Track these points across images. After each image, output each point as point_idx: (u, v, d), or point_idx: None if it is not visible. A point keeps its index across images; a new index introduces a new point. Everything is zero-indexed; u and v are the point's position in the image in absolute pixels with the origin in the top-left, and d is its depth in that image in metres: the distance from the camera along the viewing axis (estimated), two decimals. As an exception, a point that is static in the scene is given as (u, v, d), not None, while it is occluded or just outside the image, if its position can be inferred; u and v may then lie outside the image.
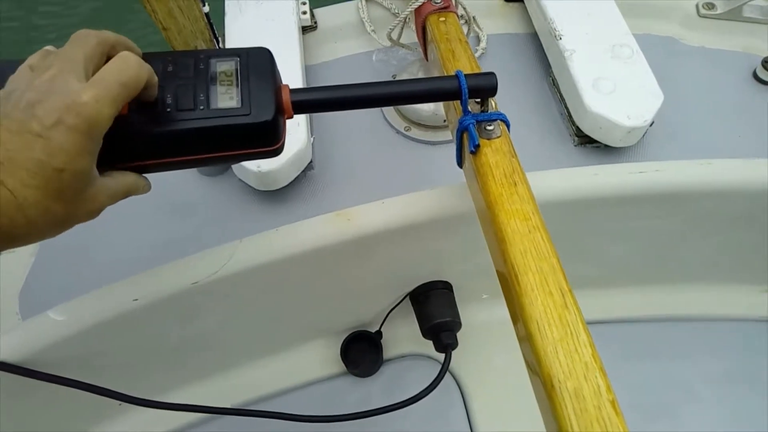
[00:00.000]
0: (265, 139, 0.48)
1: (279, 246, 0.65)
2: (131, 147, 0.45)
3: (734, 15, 1.03)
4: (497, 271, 0.49)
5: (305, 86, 0.89)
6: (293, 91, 0.50)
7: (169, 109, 0.45)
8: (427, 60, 0.84)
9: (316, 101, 0.52)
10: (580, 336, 0.38)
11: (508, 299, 0.45)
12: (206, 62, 0.48)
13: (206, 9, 0.86)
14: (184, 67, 0.48)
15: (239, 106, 0.46)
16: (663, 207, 0.73)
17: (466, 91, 0.52)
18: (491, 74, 0.53)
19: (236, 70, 0.48)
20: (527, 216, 0.46)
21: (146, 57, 0.48)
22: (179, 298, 0.64)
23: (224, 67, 0.48)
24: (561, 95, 0.92)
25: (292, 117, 0.51)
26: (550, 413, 0.37)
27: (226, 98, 0.47)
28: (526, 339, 0.40)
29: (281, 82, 0.51)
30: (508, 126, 0.55)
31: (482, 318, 0.87)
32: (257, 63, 0.49)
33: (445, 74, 0.65)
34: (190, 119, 0.45)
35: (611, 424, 0.34)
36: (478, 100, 0.55)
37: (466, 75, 0.52)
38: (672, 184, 0.69)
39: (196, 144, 0.47)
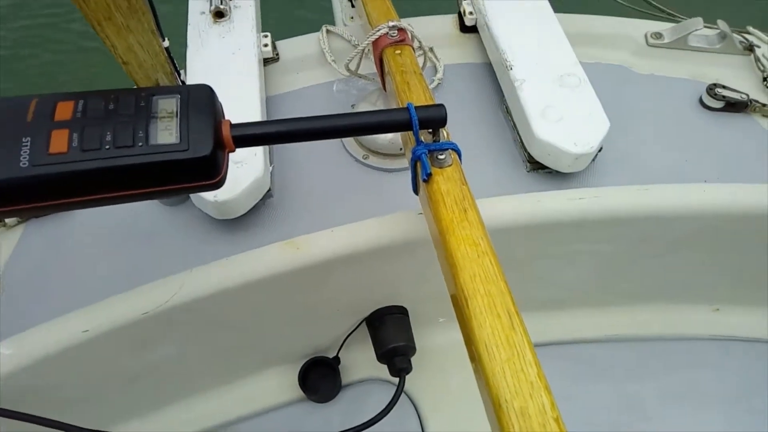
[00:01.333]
0: (204, 173, 0.50)
1: (228, 275, 0.66)
2: (71, 183, 0.46)
3: (681, 44, 1.07)
4: (450, 294, 0.51)
5: (265, 116, 0.91)
6: (234, 126, 0.52)
7: (108, 147, 0.47)
8: (385, 90, 0.87)
9: (258, 135, 0.54)
10: (526, 356, 0.40)
11: (460, 322, 0.47)
12: (147, 100, 0.50)
13: (166, 44, 0.88)
14: (126, 104, 0.49)
15: (178, 141, 0.48)
16: (606, 231, 0.75)
17: (417, 122, 0.54)
18: (440, 106, 0.55)
19: (176, 106, 0.50)
20: (476, 241, 0.48)
21: (88, 95, 0.50)
22: (130, 329, 0.65)
23: (164, 104, 0.50)
24: (514, 123, 0.94)
25: (233, 150, 0.53)
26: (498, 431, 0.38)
27: (166, 134, 0.48)
28: (476, 360, 0.42)
29: (223, 117, 0.53)
30: (459, 155, 0.58)
31: (438, 341, 0.88)
32: (197, 99, 0.51)
33: (400, 105, 0.67)
34: (128, 155, 0.47)
35: None
36: (430, 130, 0.57)
37: (416, 107, 0.54)
38: (611, 209, 0.71)
39: (135, 179, 0.48)
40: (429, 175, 0.55)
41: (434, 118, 0.55)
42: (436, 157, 0.56)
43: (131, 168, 0.47)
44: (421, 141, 0.57)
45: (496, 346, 0.40)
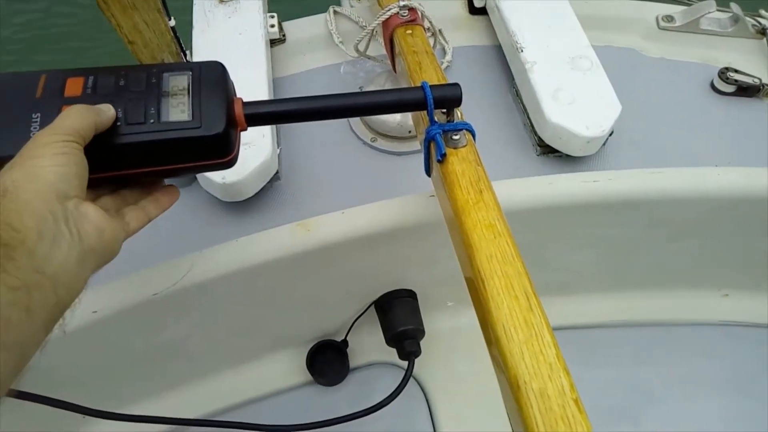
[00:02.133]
0: (217, 151, 0.49)
1: (239, 257, 0.66)
2: None
3: (692, 27, 1.05)
4: (465, 277, 0.50)
5: (271, 98, 0.90)
6: (246, 104, 0.51)
7: (119, 123, 0.46)
8: (395, 72, 0.86)
9: (270, 113, 0.53)
10: (545, 337, 0.39)
11: (476, 304, 0.46)
12: (158, 76, 0.49)
13: (172, 23, 0.87)
14: (136, 81, 0.49)
15: (190, 119, 0.47)
16: (618, 214, 0.74)
17: (432, 101, 0.53)
18: (456, 85, 0.54)
19: (188, 84, 0.49)
20: (493, 222, 0.47)
21: (98, 71, 0.49)
22: (139, 310, 0.64)
23: (176, 81, 0.49)
24: (524, 106, 0.93)
25: (245, 129, 0.52)
26: (517, 413, 0.38)
27: (177, 112, 0.48)
28: (494, 342, 0.41)
29: (234, 95, 0.52)
30: (473, 135, 0.57)
31: (447, 325, 0.88)
32: (210, 77, 0.50)
33: (413, 85, 0.66)
34: (140, 132, 0.46)
35: (575, 422, 0.35)
36: (444, 110, 0.57)
37: (431, 86, 0.53)
38: (625, 192, 0.71)
39: (146, 157, 0.48)
40: (443, 155, 0.54)
41: (449, 97, 0.54)
42: (451, 137, 0.55)
43: (143, 145, 0.46)
44: (435, 121, 0.56)
45: (514, 328, 0.40)
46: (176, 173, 0.51)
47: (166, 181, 0.55)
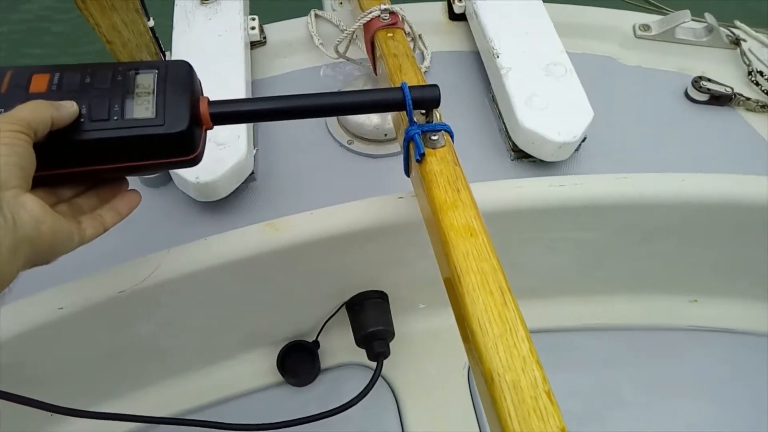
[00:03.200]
0: (180, 148, 0.50)
1: (207, 255, 0.66)
2: (44, 156, 0.46)
3: (668, 36, 1.07)
4: (443, 277, 0.51)
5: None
6: (212, 103, 0.52)
7: (83, 120, 0.46)
8: (375, 74, 0.87)
9: (237, 113, 0.54)
10: (519, 332, 0.40)
11: (453, 301, 0.47)
12: (124, 74, 0.50)
13: (151, 23, 0.88)
14: (102, 79, 0.49)
15: (154, 116, 0.48)
16: (586, 219, 0.75)
17: (410, 101, 0.54)
18: (435, 86, 0.55)
19: (154, 82, 0.50)
20: (469, 221, 0.48)
21: (65, 68, 0.50)
22: (106, 307, 0.65)
23: (142, 79, 0.50)
24: (499, 111, 0.95)
25: (211, 128, 0.53)
26: (491, 405, 0.38)
27: (142, 109, 0.48)
28: (469, 337, 0.42)
29: (201, 93, 0.53)
30: (452, 136, 0.58)
31: (418, 327, 0.89)
32: (176, 75, 0.51)
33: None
34: (103, 129, 0.47)
35: (547, 414, 0.36)
36: (423, 111, 0.58)
37: (410, 87, 0.54)
38: (590, 197, 0.72)
39: (110, 153, 0.48)
40: (422, 155, 0.55)
41: (428, 98, 0.55)
42: (429, 137, 0.56)
43: (106, 142, 0.47)
44: (414, 121, 0.57)
45: (489, 322, 0.41)
46: (140, 170, 0.52)
47: (132, 185, 0.55)
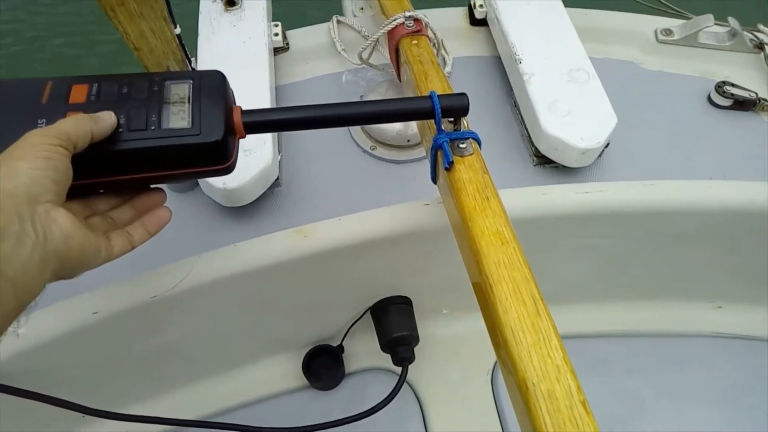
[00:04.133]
0: (215, 157, 0.51)
1: (236, 261, 0.67)
2: (83, 165, 0.47)
3: (691, 41, 1.07)
4: (472, 282, 0.51)
5: (274, 106, 0.92)
6: (245, 112, 0.53)
7: (121, 130, 0.48)
8: (400, 80, 0.87)
9: (269, 122, 0.55)
10: (552, 341, 0.41)
11: (484, 308, 0.48)
12: (160, 85, 0.51)
13: (177, 30, 0.89)
14: (139, 89, 0.50)
15: (190, 126, 0.49)
16: (610, 226, 0.75)
17: (440, 110, 0.55)
18: (463, 95, 0.56)
19: (189, 92, 0.51)
20: (500, 229, 0.49)
21: (102, 78, 0.51)
22: (139, 312, 0.66)
23: (177, 89, 0.51)
24: (521, 117, 0.95)
25: (244, 137, 0.54)
26: (526, 414, 0.39)
27: (178, 119, 0.49)
28: (502, 345, 0.42)
29: (234, 103, 0.54)
30: (479, 144, 0.58)
31: (442, 332, 0.89)
32: (210, 85, 0.52)
33: (419, 95, 0.68)
34: (141, 139, 0.48)
35: (582, 423, 0.37)
36: (451, 119, 0.58)
37: (439, 95, 0.55)
38: (616, 204, 0.72)
39: (147, 162, 0.49)
40: (451, 163, 0.56)
41: (457, 107, 0.56)
42: (458, 145, 0.57)
43: (144, 151, 0.48)
44: (443, 129, 0.57)
45: (522, 331, 0.41)
46: (175, 179, 0.53)
47: (164, 202, 0.55)
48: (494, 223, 0.49)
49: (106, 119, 0.46)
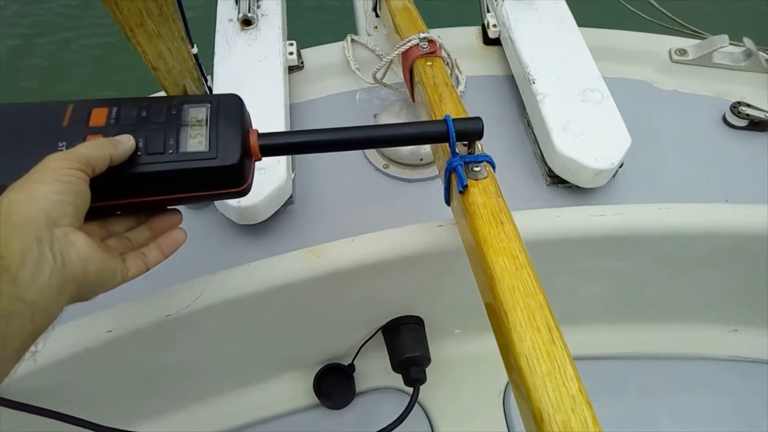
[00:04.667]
0: (231, 180, 0.51)
1: (250, 281, 0.68)
2: (103, 188, 0.47)
3: (705, 61, 1.06)
4: (486, 303, 0.51)
5: (288, 124, 0.93)
6: (261, 136, 0.53)
7: (139, 153, 0.48)
8: (413, 100, 0.88)
9: (285, 144, 0.55)
10: (567, 370, 0.40)
11: (497, 331, 0.47)
12: (178, 108, 0.52)
13: (195, 50, 0.90)
14: (157, 112, 0.51)
15: (207, 150, 0.49)
16: (625, 248, 0.75)
17: (454, 134, 0.55)
18: (478, 119, 0.56)
19: (206, 115, 0.51)
20: (515, 254, 0.49)
21: (122, 102, 0.52)
22: (153, 330, 0.66)
23: (195, 112, 0.52)
24: (534, 136, 0.95)
25: (260, 159, 0.54)
26: None
27: (195, 143, 0.50)
28: (516, 372, 0.42)
29: (250, 126, 0.54)
30: (493, 167, 0.58)
31: (454, 352, 0.89)
32: (227, 109, 0.53)
33: (433, 117, 0.68)
34: (159, 162, 0.48)
35: None
36: (465, 142, 0.58)
37: (454, 119, 0.55)
38: (632, 227, 0.72)
39: (164, 185, 0.50)
40: (465, 186, 0.56)
41: (471, 131, 0.56)
42: (472, 169, 0.57)
43: (161, 174, 0.48)
44: (457, 153, 0.57)
45: (536, 360, 0.41)
46: (191, 201, 0.53)
47: (180, 224, 0.56)
48: (509, 248, 0.49)
49: (125, 143, 0.47)
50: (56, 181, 0.40)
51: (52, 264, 0.38)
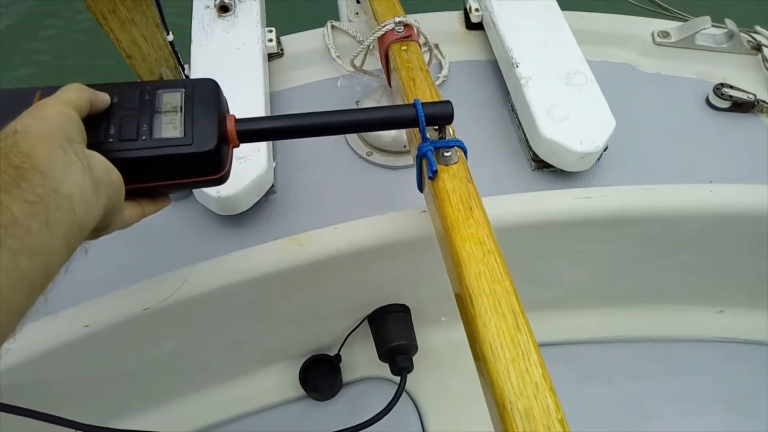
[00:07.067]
0: (208, 167, 0.50)
1: (231, 272, 0.66)
2: None
3: (688, 43, 1.06)
4: (455, 293, 0.50)
5: (269, 112, 0.91)
6: (239, 121, 0.52)
7: (111, 140, 0.46)
8: (390, 87, 0.86)
9: (262, 130, 0.54)
10: (531, 356, 0.39)
11: (465, 321, 0.46)
12: (152, 93, 0.50)
13: (170, 37, 0.88)
14: (130, 98, 0.49)
15: (182, 136, 0.48)
16: (611, 231, 0.74)
17: (423, 118, 0.54)
18: (447, 102, 0.55)
19: (181, 101, 0.50)
20: (482, 240, 0.47)
21: (93, 87, 0.50)
22: (131, 324, 0.64)
23: (169, 98, 0.50)
24: (519, 121, 0.94)
25: (238, 146, 0.52)
26: None
27: (170, 128, 0.48)
28: (480, 359, 0.41)
29: (227, 112, 0.53)
30: (465, 152, 0.57)
31: (441, 340, 0.88)
32: (202, 94, 0.51)
33: (406, 102, 0.66)
34: (132, 149, 0.47)
35: None
36: (436, 127, 0.57)
37: (423, 103, 0.54)
38: (617, 209, 0.71)
39: (138, 173, 0.48)
40: (435, 172, 0.54)
41: (441, 115, 0.55)
42: (442, 154, 0.56)
43: (135, 161, 0.47)
44: (427, 138, 0.56)
45: (500, 346, 0.40)
46: (168, 189, 0.52)
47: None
48: (476, 234, 0.48)
49: (102, 95, 0.47)
50: (57, 113, 0.41)
51: (81, 168, 0.39)
